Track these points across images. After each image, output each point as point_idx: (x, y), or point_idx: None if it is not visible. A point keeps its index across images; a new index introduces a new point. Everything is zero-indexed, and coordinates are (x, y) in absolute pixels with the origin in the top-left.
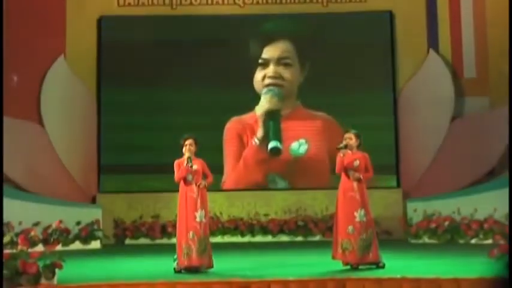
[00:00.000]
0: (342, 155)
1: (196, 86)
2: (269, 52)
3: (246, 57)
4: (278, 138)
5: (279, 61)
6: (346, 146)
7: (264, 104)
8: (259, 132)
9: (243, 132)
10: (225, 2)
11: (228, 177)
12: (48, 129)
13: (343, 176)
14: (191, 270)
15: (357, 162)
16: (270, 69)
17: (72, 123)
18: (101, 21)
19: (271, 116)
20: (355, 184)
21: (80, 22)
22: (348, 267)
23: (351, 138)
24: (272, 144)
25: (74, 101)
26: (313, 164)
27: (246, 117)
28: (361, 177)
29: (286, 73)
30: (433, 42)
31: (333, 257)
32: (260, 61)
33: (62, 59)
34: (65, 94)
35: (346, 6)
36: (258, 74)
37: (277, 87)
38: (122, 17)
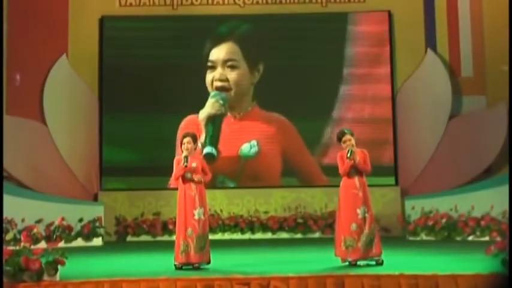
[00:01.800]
0: (354, 160)
1: (197, 85)
2: (215, 54)
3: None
4: (214, 144)
5: (225, 63)
6: (353, 152)
7: (207, 108)
8: (202, 137)
9: (196, 132)
10: (226, 2)
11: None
12: (51, 127)
13: (344, 176)
14: (189, 266)
15: (357, 160)
16: (217, 72)
17: (74, 122)
18: (103, 21)
19: (212, 121)
20: (357, 181)
21: (82, 22)
22: (347, 263)
23: (350, 140)
24: (206, 150)
25: (76, 100)
26: (263, 165)
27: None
28: (358, 161)
29: (232, 75)
30: (430, 41)
31: (336, 255)
32: (208, 64)
33: (64, 58)
34: (67, 93)
35: (345, 6)
36: (208, 76)
37: (223, 92)
38: (124, 17)
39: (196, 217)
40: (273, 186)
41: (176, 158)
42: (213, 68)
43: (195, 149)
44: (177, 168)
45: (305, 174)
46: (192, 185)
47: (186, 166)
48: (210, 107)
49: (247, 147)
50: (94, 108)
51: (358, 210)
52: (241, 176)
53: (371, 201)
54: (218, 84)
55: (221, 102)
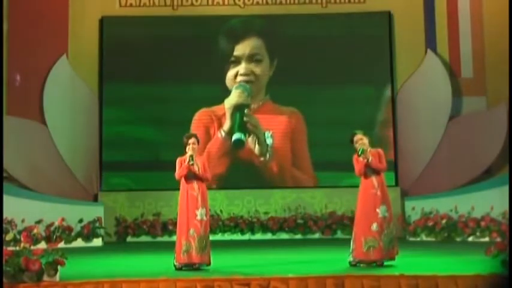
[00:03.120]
0: (361, 158)
1: (197, 84)
2: (240, 50)
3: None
4: (243, 131)
5: (250, 58)
6: (365, 150)
7: (233, 98)
8: (226, 125)
9: (210, 123)
10: (226, 2)
11: None
12: (51, 128)
13: (362, 176)
14: (190, 267)
15: (370, 159)
16: (242, 67)
17: (74, 122)
18: (103, 22)
19: (238, 110)
20: (375, 181)
21: (83, 22)
22: (347, 264)
23: (362, 139)
24: (236, 136)
25: (76, 100)
26: (276, 158)
27: (216, 108)
28: (371, 159)
29: (257, 69)
30: (430, 42)
31: (355, 257)
32: (232, 59)
33: (64, 58)
34: (67, 93)
35: (345, 6)
36: (230, 72)
37: (248, 83)
38: (124, 17)
39: (198, 217)
40: (273, 187)
41: (179, 158)
42: (236, 63)
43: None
44: (180, 167)
45: (299, 169)
46: (194, 185)
47: (192, 164)
48: (236, 97)
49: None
50: (94, 109)
51: (378, 210)
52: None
53: (390, 199)
54: (243, 78)
55: (246, 93)
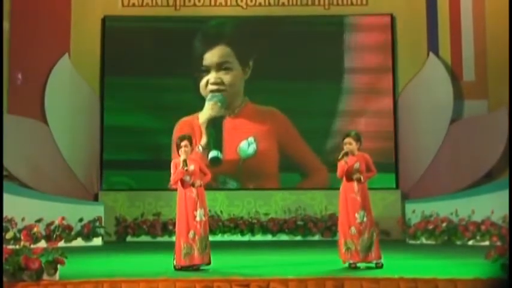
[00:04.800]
0: (343, 162)
1: (197, 85)
2: (209, 59)
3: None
4: (218, 147)
5: (219, 66)
6: (347, 154)
7: (206, 111)
8: (203, 140)
9: (192, 134)
10: (228, 3)
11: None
12: (52, 127)
13: (344, 178)
14: (191, 268)
15: (357, 165)
16: (212, 76)
17: (76, 122)
18: (105, 21)
19: (213, 124)
20: (355, 186)
21: (85, 22)
22: (347, 265)
23: (350, 143)
24: (212, 154)
25: (78, 99)
26: (263, 162)
27: (194, 118)
28: (362, 178)
29: (227, 78)
30: (433, 45)
31: (339, 257)
32: (202, 68)
33: (66, 57)
34: (69, 92)
35: (347, 9)
36: (203, 81)
37: (220, 93)
38: (126, 17)
39: (197, 218)
40: (273, 188)
41: (173, 161)
42: (207, 72)
43: (192, 151)
44: (175, 172)
45: (304, 165)
46: (192, 187)
47: (186, 170)
48: (209, 110)
49: (245, 145)
50: (95, 108)
51: (357, 215)
52: (242, 174)
53: (371, 205)
54: (213, 87)
55: (219, 104)
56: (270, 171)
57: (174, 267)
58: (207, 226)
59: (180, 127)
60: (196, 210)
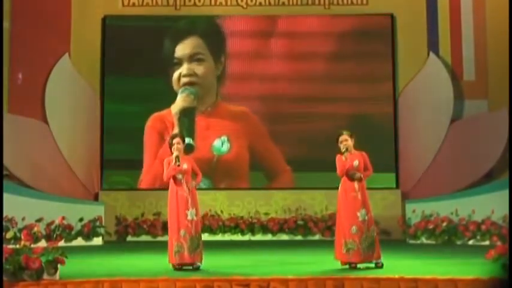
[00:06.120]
0: (344, 158)
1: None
2: (181, 50)
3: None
4: (191, 135)
5: (192, 57)
6: (347, 149)
7: (178, 103)
8: (175, 130)
9: (164, 129)
10: (228, 3)
11: (145, 176)
12: (52, 126)
13: (343, 177)
14: (183, 267)
15: (356, 163)
16: (184, 67)
17: (76, 121)
18: (105, 21)
19: (186, 114)
20: (356, 184)
21: (85, 21)
22: (347, 266)
23: (347, 140)
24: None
25: (78, 99)
26: (235, 161)
27: (167, 112)
28: (362, 176)
29: (200, 69)
30: (433, 45)
31: (336, 258)
32: (174, 61)
33: (66, 57)
34: (69, 92)
35: (347, 8)
36: (175, 74)
37: (192, 86)
38: (126, 16)
39: (189, 218)
40: (273, 188)
41: (166, 158)
42: (179, 64)
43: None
44: (168, 168)
45: (270, 166)
46: (184, 186)
47: (178, 165)
48: (182, 101)
49: (219, 143)
50: (96, 108)
51: (358, 213)
52: (215, 172)
53: (370, 203)
54: (186, 80)
55: (192, 96)
56: (242, 171)
57: (174, 267)
58: (198, 226)
59: (152, 122)
60: (188, 210)
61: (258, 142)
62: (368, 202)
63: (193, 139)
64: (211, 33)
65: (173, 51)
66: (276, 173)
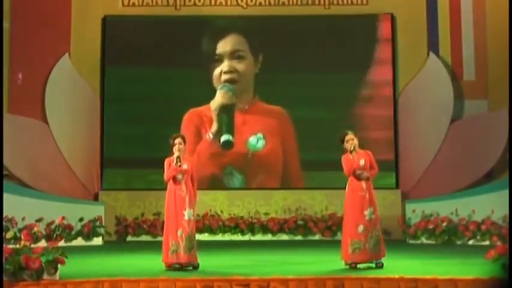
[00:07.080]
0: (351, 157)
1: (199, 83)
2: (221, 47)
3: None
4: (230, 132)
5: (232, 54)
6: (354, 148)
7: (218, 99)
8: (213, 127)
9: (201, 125)
10: (228, 3)
11: None
12: (52, 126)
13: (351, 177)
14: (177, 267)
15: (362, 162)
16: (225, 64)
17: (76, 121)
18: (106, 21)
19: (225, 111)
20: (363, 183)
21: (85, 21)
22: (347, 266)
23: (353, 139)
24: (224, 137)
25: (78, 99)
26: (269, 158)
27: (205, 108)
28: (369, 175)
29: (240, 66)
30: (433, 45)
31: (342, 259)
32: (215, 57)
33: (66, 57)
34: (69, 92)
35: (347, 8)
36: (216, 71)
37: (231, 84)
38: (126, 16)
39: (186, 218)
40: (273, 188)
41: (167, 159)
42: (220, 61)
43: (185, 150)
44: (169, 168)
45: (287, 168)
46: (182, 186)
47: (179, 166)
48: (221, 98)
49: (254, 140)
50: (96, 108)
51: (366, 212)
52: (249, 167)
53: (377, 202)
54: (227, 76)
55: (230, 93)
56: (275, 168)
57: (174, 267)
58: (194, 226)
59: (189, 116)
60: (185, 210)
61: (286, 142)
62: (375, 201)
63: (232, 136)
64: (252, 30)
65: (214, 48)
66: (289, 175)
